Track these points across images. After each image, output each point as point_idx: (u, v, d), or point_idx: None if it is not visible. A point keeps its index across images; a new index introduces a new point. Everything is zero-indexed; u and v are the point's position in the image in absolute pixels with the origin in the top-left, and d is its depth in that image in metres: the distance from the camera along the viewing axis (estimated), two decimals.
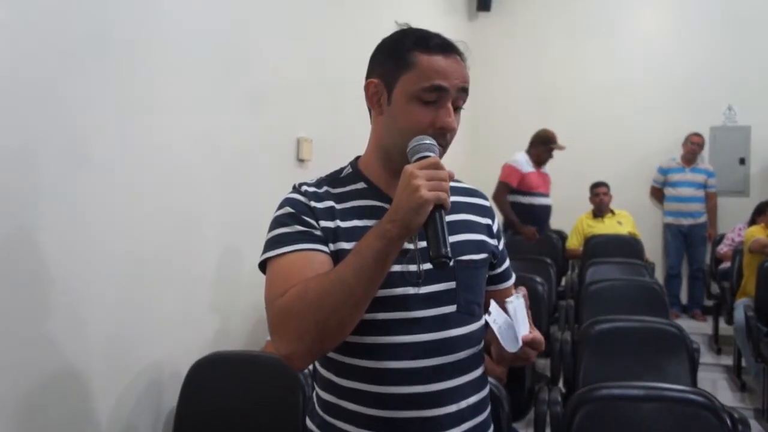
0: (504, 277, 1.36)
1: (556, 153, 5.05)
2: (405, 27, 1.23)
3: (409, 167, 1.04)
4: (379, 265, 1.03)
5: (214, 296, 2.43)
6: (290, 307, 1.05)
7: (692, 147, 5.87)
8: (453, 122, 1.14)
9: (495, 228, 1.32)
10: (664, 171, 6.08)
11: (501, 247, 1.34)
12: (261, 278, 1.21)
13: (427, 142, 1.10)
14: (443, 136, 1.15)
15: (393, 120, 1.17)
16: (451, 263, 1.03)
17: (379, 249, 1.02)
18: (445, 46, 1.17)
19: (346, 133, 2.97)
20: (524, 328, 1.12)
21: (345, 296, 1.02)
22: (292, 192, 1.21)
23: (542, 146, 5.01)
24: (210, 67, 2.38)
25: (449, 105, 1.14)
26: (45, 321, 1.69)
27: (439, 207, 1.02)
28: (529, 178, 4.94)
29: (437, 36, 1.18)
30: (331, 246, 1.14)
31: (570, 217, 5.80)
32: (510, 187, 4.91)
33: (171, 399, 2.12)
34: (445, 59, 1.15)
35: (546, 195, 5.11)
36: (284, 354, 1.07)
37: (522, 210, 4.93)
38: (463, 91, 1.17)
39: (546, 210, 5.13)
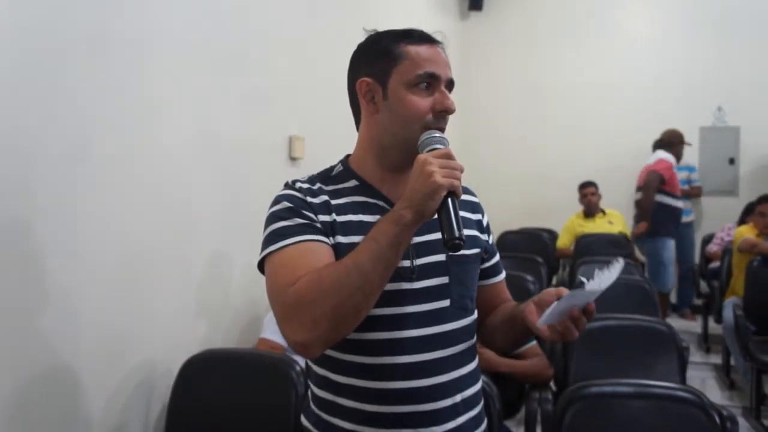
0: (495, 271, 1.38)
1: (547, 152, 5.04)
2: (373, 32, 1.26)
3: (422, 155, 1.07)
4: (393, 250, 1.04)
5: (206, 293, 2.43)
6: (305, 294, 1.05)
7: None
8: (452, 104, 1.18)
9: (485, 223, 1.34)
10: None
11: (491, 241, 1.37)
12: (254, 276, 1.21)
13: (437, 135, 1.13)
14: (444, 120, 1.18)
15: (392, 113, 1.18)
16: (463, 248, 1.06)
17: (394, 235, 1.04)
18: (428, 37, 1.21)
19: (338, 131, 2.96)
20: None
21: (361, 282, 1.03)
22: (285, 188, 1.22)
23: (680, 145, 4.89)
24: (204, 65, 2.38)
25: (443, 89, 1.18)
26: (36, 317, 1.69)
27: (452, 194, 1.04)
28: (674, 179, 4.79)
29: (416, 30, 1.22)
30: (330, 239, 1.15)
31: (561, 216, 5.83)
32: (662, 179, 4.79)
33: (163, 396, 2.12)
34: (429, 48, 1.19)
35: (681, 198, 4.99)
36: (298, 341, 1.06)
37: (665, 214, 4.82)
38: (451, 83, 1.20)
39: (680, 213, 4.99)
